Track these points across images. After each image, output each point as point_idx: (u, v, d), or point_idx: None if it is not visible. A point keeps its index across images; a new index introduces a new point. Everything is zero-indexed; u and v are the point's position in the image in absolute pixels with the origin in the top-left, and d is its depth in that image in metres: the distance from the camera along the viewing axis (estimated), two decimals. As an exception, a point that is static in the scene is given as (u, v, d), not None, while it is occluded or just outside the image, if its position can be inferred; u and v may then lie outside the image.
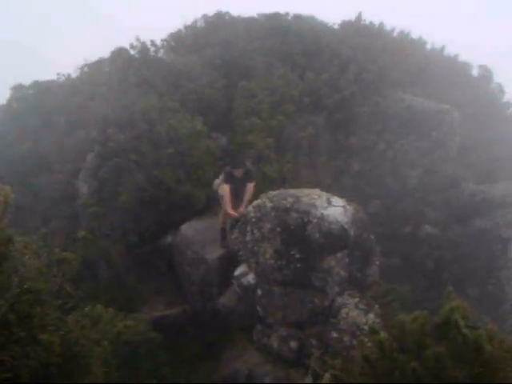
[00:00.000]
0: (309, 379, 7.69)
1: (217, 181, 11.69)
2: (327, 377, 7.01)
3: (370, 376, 5.96)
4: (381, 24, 20.39)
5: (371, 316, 9.62)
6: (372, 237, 10.70)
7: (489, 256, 13.51)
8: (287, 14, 19.97)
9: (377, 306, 10.06)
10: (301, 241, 9.83)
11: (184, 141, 13.31)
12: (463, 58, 21.09)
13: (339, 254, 9.92)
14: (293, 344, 9.91)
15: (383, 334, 5.90)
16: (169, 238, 12.76)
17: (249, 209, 10.72)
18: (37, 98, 18.25)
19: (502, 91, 20.08)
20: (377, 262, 10.83)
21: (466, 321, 5.42)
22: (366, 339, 7.03)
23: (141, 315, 10.83)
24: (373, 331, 6.12)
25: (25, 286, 4.20)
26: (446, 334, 5.47)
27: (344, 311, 9.77)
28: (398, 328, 5.97)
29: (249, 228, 10.53)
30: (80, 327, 5.10)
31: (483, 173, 15.39)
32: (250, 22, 19.64)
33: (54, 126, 16.66)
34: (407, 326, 5.91)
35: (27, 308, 4.32)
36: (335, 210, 9.97)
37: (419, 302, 10.16)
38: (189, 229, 12.26)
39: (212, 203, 12.93)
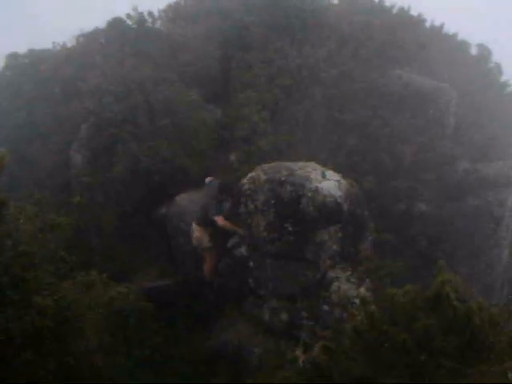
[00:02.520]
0: (299, 350, 7.75)
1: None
2: (318, 348, 7.09)
3: (359, 347, 6.02)
4: (380, 0, 20.21)
5: (362, 290, 9.68)
6: (366, 212, 10.73)
7: (480, 235, 13.57)
8: (286, -14, 19.73)
9: (368, 281, 10.12)
10: (294, 214, 9.85)
11: (179, 112, 13.25)
12: (462, 36, 20.93)
13: (332, 228, 9.95)
14: (284, 316, 9.99)
15: (374, 307, 5.94)
16: (163, 209, 12.75)
17: (243, 181, 10.71)
18: (32, 67, 18.12)
19: (500, 71, 20.00)
20: (369, 238, 10.88)
21: (457, 294, 5.46)
22: (357, 312, 7.10)
23: (132, 285, 10.86)
24: (364, 303, 6.16)
25: (19, 249, 4.20)
26: (437, 307, 5.51)
27: (335, 285, 9.84)
28: (388, 301, 6.02)
29: (242, 200, 10.53)
30: (73, 292, 5.11)
31: (478, 151, 15.38)
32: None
33: (49, 96, 16.54)
34: (398, 298, 5.96)
35: (21, 271, 4.33)
36: (329, 183, 9.98)
37: (410, 278, 10.17)
38: (183, 200, 12.25)
39: (207, 175, 12.92)
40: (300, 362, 7.32)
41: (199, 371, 10.64)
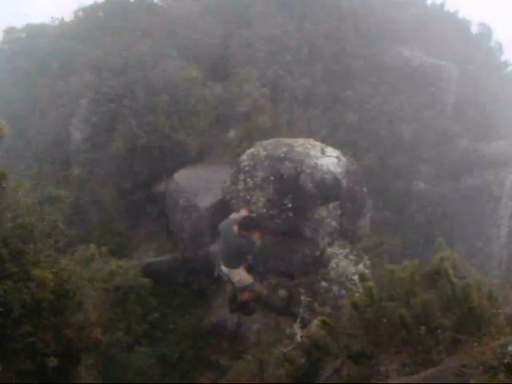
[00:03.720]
0: (297, 326, 7.78)
1: None
2: (316, 323, 7.11)
3: (358, 323, 6.04)
4: (382, -24, 20.01)
5: (361, 267, 9.71)
6: (364, 189, 10.70)
7: (479, 213, 13.62)
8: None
9: (366, 258, 10.15)
10: (293, 190, 9.82)
11: (179, 88, 13.18)
12: (462, 14, 20.80)
13: (331, 205, 9.93)
14: (282, 292, 10.00)
15: (372, 282, 5.95)
16: (161, 185, 12.72)
17: (242, 157, 10.67)
18: (30, 41, 17.93)
19: (500, 50, 19.90)
20: (368, 215, 10.86)
21: (456, 271, 5.47)
22: (355, 288, 7.12)
23: (131, 261, 10.88)
24: (362, 278, 6.17)
25: (18, 221, 4.19)
26: (435, 283, 5.52)
27: (334, 261, 9.85)
28: (387, 276, 6.02)
29: (241, 176, 10.49)
30: (73, 265, 5.11)
31: (478, 130, 15.38)
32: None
33: (47, 70, 16.40)
34: (396, 274, 5.96)
35: (20, 244, 4.32)
36: (329, 160, 9.94)
37: (408, 255, 10.22)
38: (182, 176, 12.21)
39: (206, 151, 12.91)
40: (298, 337, 7.33)
41: (198, 346, 10.72)
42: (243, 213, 9.90)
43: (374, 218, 11.26)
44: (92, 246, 7.17)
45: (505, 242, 13.97)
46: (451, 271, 5.27)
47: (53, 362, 4.16)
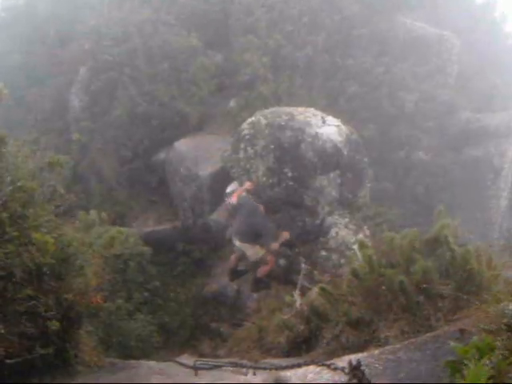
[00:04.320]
0: (297, 293, 7.82)
1: None
2: (315, 291, 7.14)
3: (357, 290, 6.06)
4: None
5: (360, 236, 9.71)
6: (365, 159, 10.68)
7: (480, 185, 13.58)
8: None
9: (366, 227, 10.17)
10: (294, 159, 9.80)
11: (179, 56, 13.07)
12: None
13: (331, 174, 9.92)
14: (282, 261, 10.02)
15: (372, 250, 5.97)
16: (161, 154, 12.69)
17: (243, 126, 10.63)
18: (28, 9, 17.68)
19: (505, 20, 19.65)
20: (368, 185, 10.85)
21: (456, 238, 5.48)
22: (355, 257, 7.14)
23: (131, 229, 10.90)
24: (362, 246, 6.18)
25: (18, 184, 4.17)
26: (435, 250, 5.53)
27: (334, 231, 9.87)
28: (387, 244, 6.03)
29: (242, 145, 10.46)
30: (73, 231, 5.11)
31: (480, 101, 15.27)
32: None
33: (46, 38, 16.23)
34: (396, 242, 5.97)
35: (20, 208, 4.30)
36: (330, 129, 9.91)
37: (408, 226, 10.19)
38: (182, 145, 12.18)
39: (206, 120, 12.85)
40: (298, 304, 7.38)
41: (198, 314, 10.80)
42: (247, 185, 9.93)
43: (373, 188, 11.25)
44: (93, 212, 7.20)
45: (504, 214, 13.96)
46: (451, 238, 5.28)
47: (55, 325, 4.18)
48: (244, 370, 4.72)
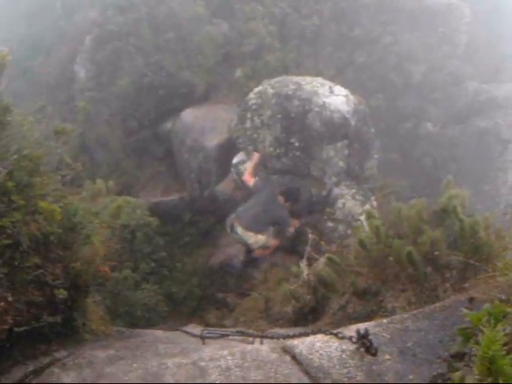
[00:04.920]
0: (304, 264, 7.83)
1: None
2: (322, 261, 7.14)
3: (364, 261, 6.05)
4: None
5: (367, 207, 9.69)
6: (372, 130, 10.62)
7: (487, 157, 13.48)
8: None
9: (373, 198, 10.13)
10: (301, 129, 9.75)
11: (185, 26, 12.94)
12: None
13: (339, 144, 9.87)
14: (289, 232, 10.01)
15: (379, 220, 5.94)
16: (168, 125, 12.63)
17: (250, 95, 10.56)
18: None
19: (515, -10, 19.32)
20: (375, 156, 10.80)
21: (464, 209, 5.44)
22: (361, 227, 7.12)
23: (138, 200, 10.90)
24: (370, 216, 6.15)
25: (24, 152, 4.15)
26: (443, 221, 5.50)
27: (341, 201, 9.85)
28: (394, 214, 6.00)
29: (249, 115, 10.40)
30: (80, 200, 5.10)
31: (489, 72, 15.08)
32: None
33: (50, 8, 16.08)
34: (404, 212, 5.94)
35: (27, 176, 4.28)
36: (337, 98, 9.83)
37: (415, 197, 10.18)
38: (188, 116, 12.12)
39: (212, 91, 12.77)
40: (304, 275, 7.38)
41: (205, 284, 10.84)
42: (255, 157, 9.88)
43: (380, 160, 11.20)
44: (99, 181, 7.19)
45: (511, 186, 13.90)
46: (460, 209, 5.25)
47: (62, 294, 4.19)
48: (250, 339, 4.74)
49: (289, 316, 7.22)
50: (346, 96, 9.96)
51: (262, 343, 4.40)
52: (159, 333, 6.00)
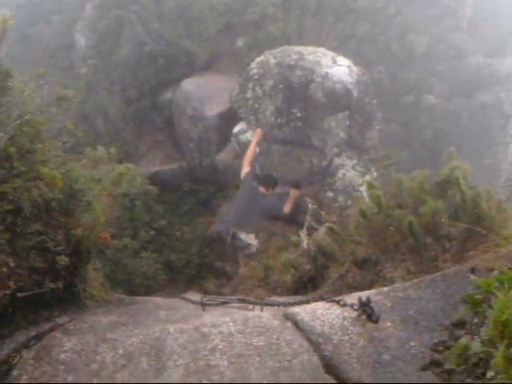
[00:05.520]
0: (304, 233, 7.85)
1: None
2: (322, 231, 7.16)
3: (365, 231, 6.06)
4: None
5: (368, 178, 9.69)
6: (374, 101, 10.57)
7: (488, 131, 13.43)
8: None
9: (374, 169, 10.13)
10: (303, 99, 9.70)
11: (185, -7, 12.80)
12: None
13: (340, 115, 9.83)
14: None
15: (380, 191, 5.94)
16: (168, 94, 12.57)
17: (252, 65, 10.48)
18: None
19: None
20: (377, 127, 10.77)
21: (466, 181, 5.44)
22: (362, 198, 7.12)
23: (138, 168, 10.89)
24: (370, 186, 6.15)
25: (26, 118, 4.12)
26: (445, 192, 5.50)
27: (341, 172, 9.84)
28: (396, 185, 6.00)
29: (250, 85, 10.34)
30: (81, 166, 5.09)
31: (493, 46, 14.93)
32: None
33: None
34: (405, 183, 5.93)
35: (28, 142, 4.26)
36: (340, 69, 9.77)
37: (415, 169, 10.19)
38: (189, 85, 12.04)
39: (213, 60, 12.67)
40: (304, 244, 7.41)
41: (204, 253, 10.90)
42: (257, 133, 9.79)
43: (381, 131, 11.17)
44: (100, 148, 7.17)
45: (512, 161, 13.89)
46: (462, 180, 5.25)
47: (64, 260, 4.20)
48: (250, 306, 4.77)
49: (288, 285, 7.26)
50: (348, 67, 9.90)
51: (262, 310, 4.43)
52: (159, 300, 6.04)
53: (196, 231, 11.29)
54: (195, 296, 6.90)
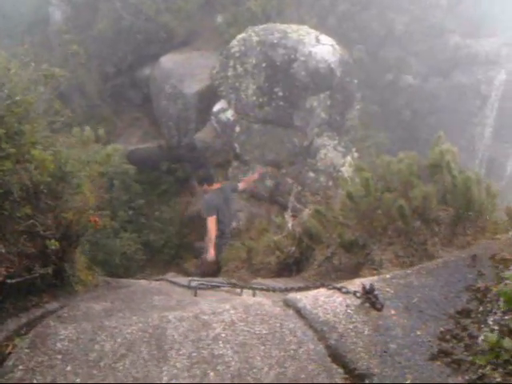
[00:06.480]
0: (288, 214, 7.81)
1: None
2: (307, 212, 7.14)
3: (351, 213, 6.05)
4: None
5: (349, 159, 9.70)
6: (355, 81, 10.53)
7: (465, 112, 13.51)
8: None
9: (354, 150, 10.12)
10: (286, 78, 9.63)
11: (165, -33, 12.55)
12: None
13: (322, 95, 9.78)
14: (268, 182, 10.00)
15: (369, 173, 5.91)
16: (146, 71, 12.38)
17: (233, 42, 10.35)
18: None
19: None
20: (357, 107, 10.75)
21: (456, 165, 5.44)
22: (348, 178, 7.09)
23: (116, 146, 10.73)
24: (359, 168, 6.13)
25: (17, 98, 3.99)
26: (434, 176, 5.51)
27: (322, 152, 9.82)
28: (383, 167, 5.98)
29: (231, 63, 10.23)
30: (69, 147, 4.96)
31: (471, 26, 14.95)
32: None
33: None
34: (393, 166, 5.92)
35: (16, 123, 4.13)
36: (324, 48, 9.70)
37: (394, 150, 10.22)
38: (167, 61, 11.87)
39: (192, 36, 12.48)
40: (289, 225, 7.38)
41: (183, 233, 10.84)
42: (258, 170, 9.66)
43: (360, 111, 11.17)
44: (88, 129, 7.04)
45: (488, 142, 14.00)
46: (453, 164, 5.25)
47: (54, 245, 4.11)
48: (238, 290, 4.73)
49: (272, 266, 7.23)
50: (332, 46, 9.84)
51: (254, 295, 4.39)
52: (145, 283, 5.97)
53: (175, 211, 11.22)
54: (179, 278, 6.85)
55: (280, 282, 6.35)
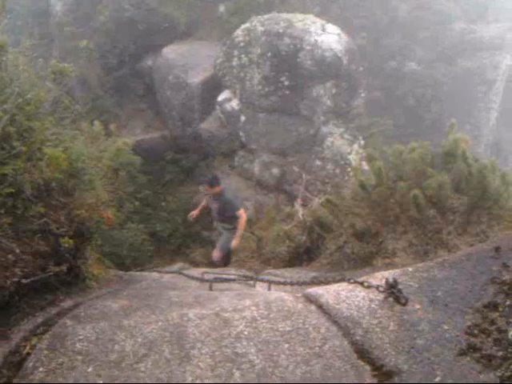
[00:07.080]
0: (298, 204, 7.78)
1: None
2: (317, 201, 7.10)
3: (364, 202, 6.00)
4: None
5: (355, 147, 9.65)
6: (361, 69, 10.45)
7: (471, 97, 13.43)
8: None
9: (361, 138, 10.06)
10: (291, 67, 9.57)
11: (166, -43, 12.44)
12: None
13: (328, 84, 9.71)
14: (275, 170, 9.95)
15: (381, 162, 5.85)
16: (149, 61, 12.31)
17: (237, 32, 10.26)
18: None
19: None
20: (362, 95, 10.68)
21: (471, 153, 5.39)
22: (358, 168, 7.05)
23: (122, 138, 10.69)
24: (371, 158, 6.07)
25: (28, 96, 3.92)
26: (447, 164, 5.45)
27: (329, 140, 9.77)
28: (395, 156, 5.93)
29: (236, 52, 10.15)
30: (80, 143, 4.91)
31: (476, 12, 14.83)
32: None
33: None
34: (405, 155, 5.87)
35: (26, 121, 4.07)
36: (330, 37, 9.63)
37: (399, 136, 10.18)
38: (171, 52, 11.81)
39: (194, 26, 12.38)
40: (300, 215, 7.34)
41: (189, 222, 10.77)
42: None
43: (365, 98, 11.09)
44: (97, 124, 6.96)
45: (493, 127, 13.93)
46: (468, 153, 5.20)
47: (67, 242, 4.06)
48: (251, 282, 4.69)
49: (282, 256, 7.21)
50: (338, 34, 9.78)
51: (269, 289, 4.36)
52: (157, 276, 5.95)
53: (180, 200, 11.18)
54: (191, 271, 6.82)
55: (292, 272, 6.36)
